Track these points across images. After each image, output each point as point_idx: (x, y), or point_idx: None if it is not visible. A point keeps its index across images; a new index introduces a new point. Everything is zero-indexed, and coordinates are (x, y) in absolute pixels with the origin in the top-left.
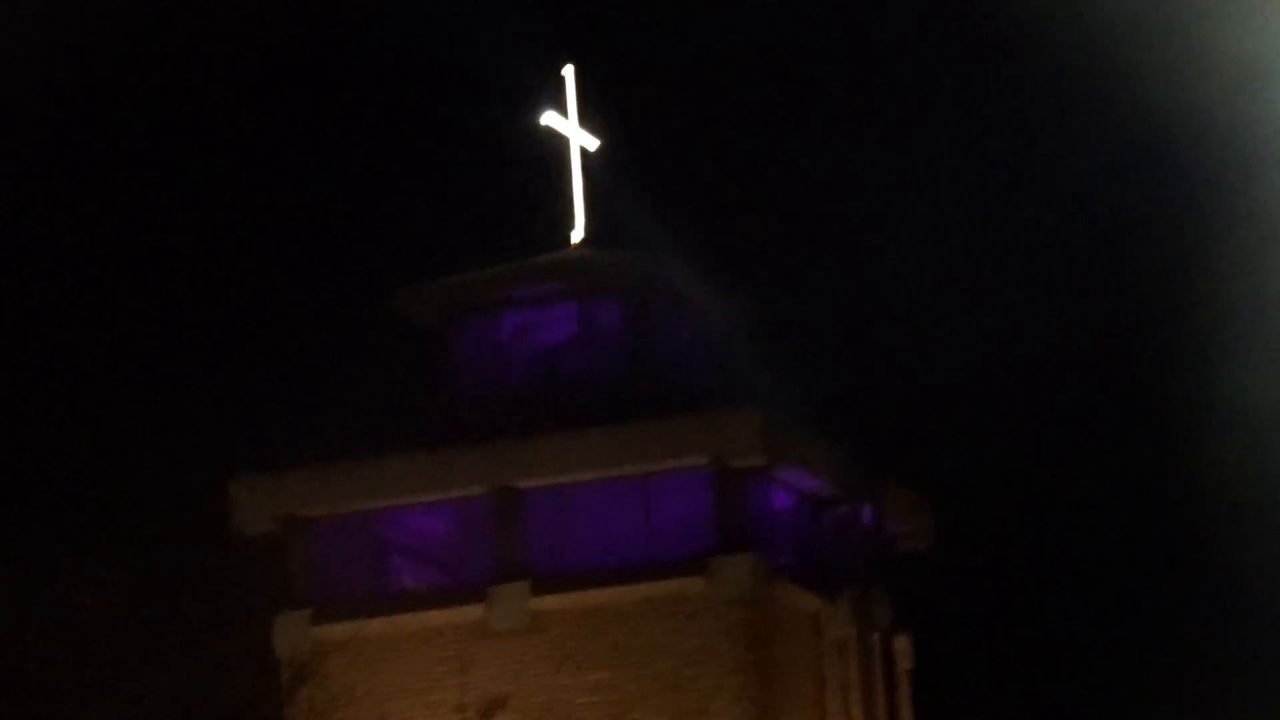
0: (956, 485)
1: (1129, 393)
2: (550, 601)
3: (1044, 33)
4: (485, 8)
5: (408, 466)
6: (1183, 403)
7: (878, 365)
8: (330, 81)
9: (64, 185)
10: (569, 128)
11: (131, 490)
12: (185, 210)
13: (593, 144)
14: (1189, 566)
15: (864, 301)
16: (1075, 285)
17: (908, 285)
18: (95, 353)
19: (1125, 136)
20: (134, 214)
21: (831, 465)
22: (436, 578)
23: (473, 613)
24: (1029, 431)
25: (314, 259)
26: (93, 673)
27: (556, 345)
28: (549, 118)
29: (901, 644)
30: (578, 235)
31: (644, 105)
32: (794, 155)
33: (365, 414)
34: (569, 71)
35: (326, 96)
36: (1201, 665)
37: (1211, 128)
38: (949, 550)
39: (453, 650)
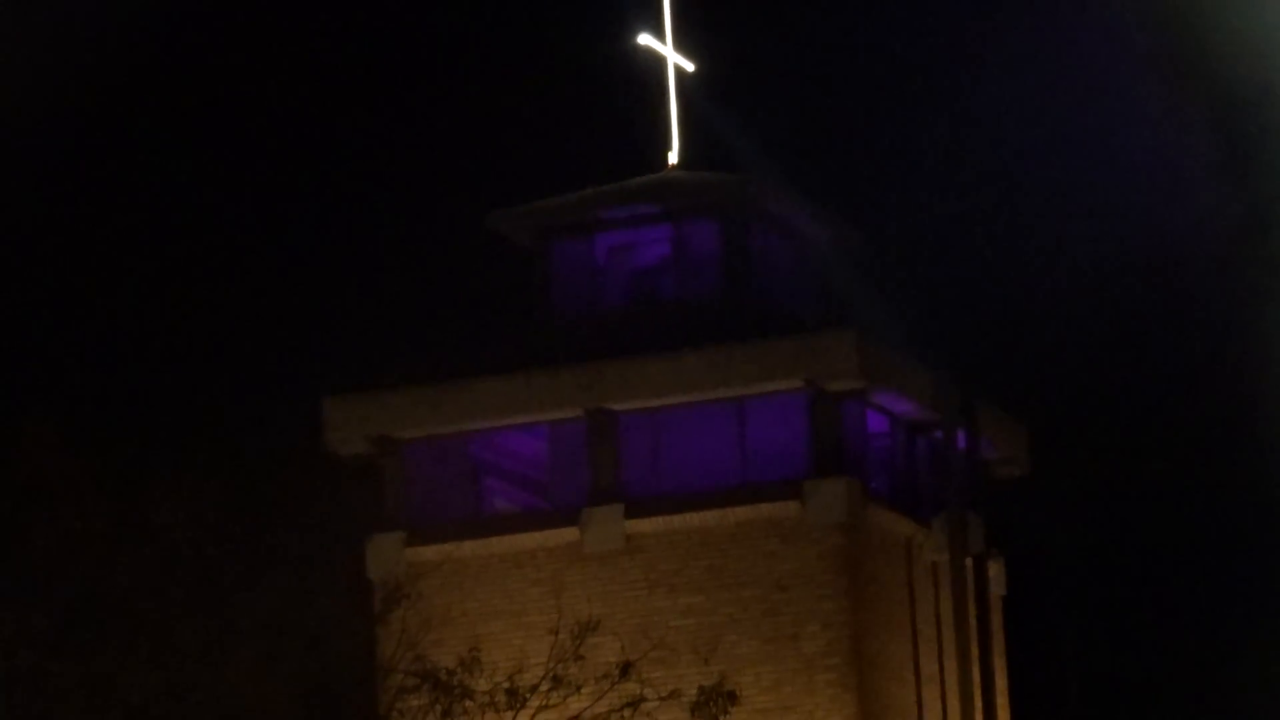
0: (1052, 411)
1: (1228, 321)
2: (644, 525)
3: None
4: None
5: (501, 388)
6: None
7: (973, 290)
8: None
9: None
10: (665, 49)
11: (224, 410)
12: (280, 126)
13: (689, 66)
14: None
15: (958, 225)
16: (1179, 210)
17: (1003, 210)
18: (190, 272)
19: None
20: (228, 139)
21: (926, 390)
22: (530, 500)
23: (566, 535)
24: (1127, 358)
25: (411, 179)
26: (184, 592)
27: (651, 267)
28: (645, 38)
29: (995, 570)
30: (673, 158)
31: (741, 28)
32: (892, 83)
33: (460, 335)
34: None
35: (421, 14)
36: None
37: None
38: (1043, 477)
39: (546, 573)
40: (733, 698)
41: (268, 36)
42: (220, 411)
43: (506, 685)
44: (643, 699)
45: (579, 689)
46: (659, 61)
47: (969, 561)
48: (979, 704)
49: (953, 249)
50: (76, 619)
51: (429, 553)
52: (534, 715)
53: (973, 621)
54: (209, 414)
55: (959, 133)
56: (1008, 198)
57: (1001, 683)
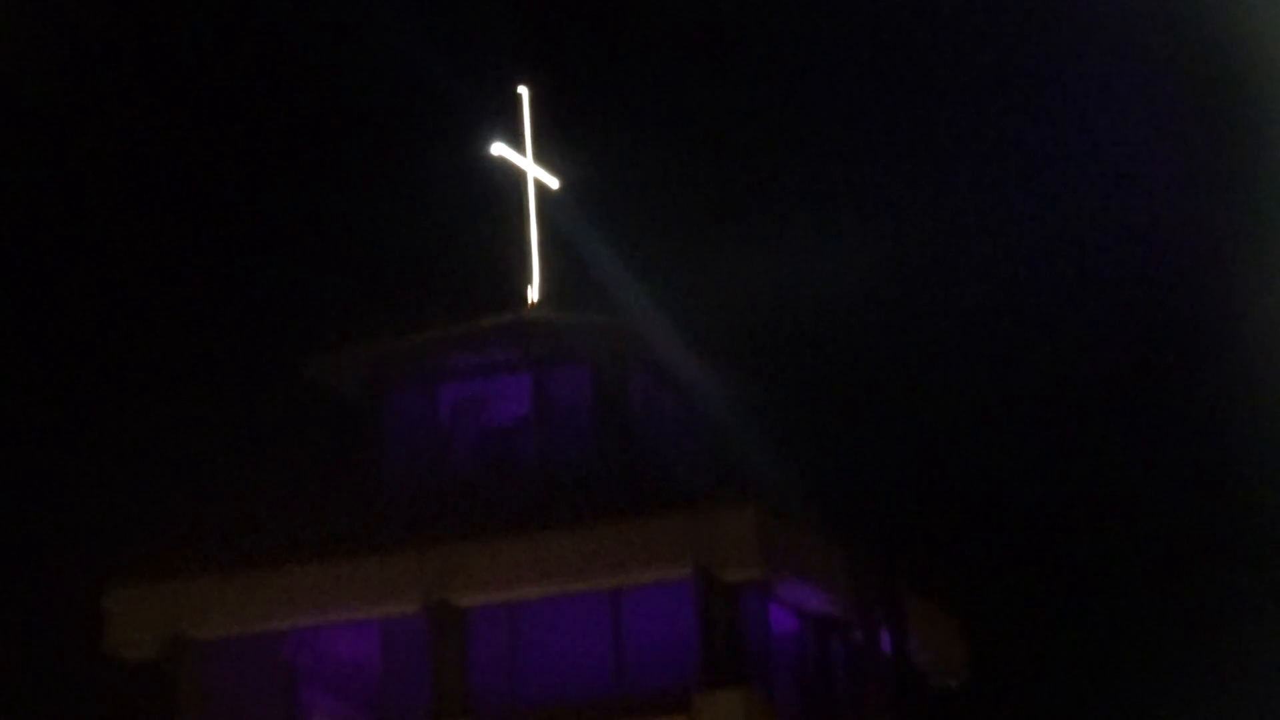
0: (996, 602)
1: (1183, 477)
2: None
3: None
4: (422, 22)
5: (322, 576)
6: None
7: (895, 454)
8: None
9: None
10: (524, 161)
11: None
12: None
13: (553, 182)
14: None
15: (875, 373)
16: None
17: (927, 351)
18: None
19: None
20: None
21: (842, 579)
22: (358, 714)
23: None
24: (1083, 532)
25: (213, 316)
26: None
27: (507, 426)
28: (500, 149)
29: None
30: (534, 294)
31: (611, 138)
32: (787, 199)
33: (271, 510)
34: (524, 93)
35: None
36: None
37: None
38: (985, 686)
39: None
40: None
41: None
42: None
43: None
44: None
45: None
46: (516, 177)
47: None
48: None
49: (869, 403)
50: None
51: None
52: None
53: None
54: None
55: (869, 258)
56: (936, 336)
57: None
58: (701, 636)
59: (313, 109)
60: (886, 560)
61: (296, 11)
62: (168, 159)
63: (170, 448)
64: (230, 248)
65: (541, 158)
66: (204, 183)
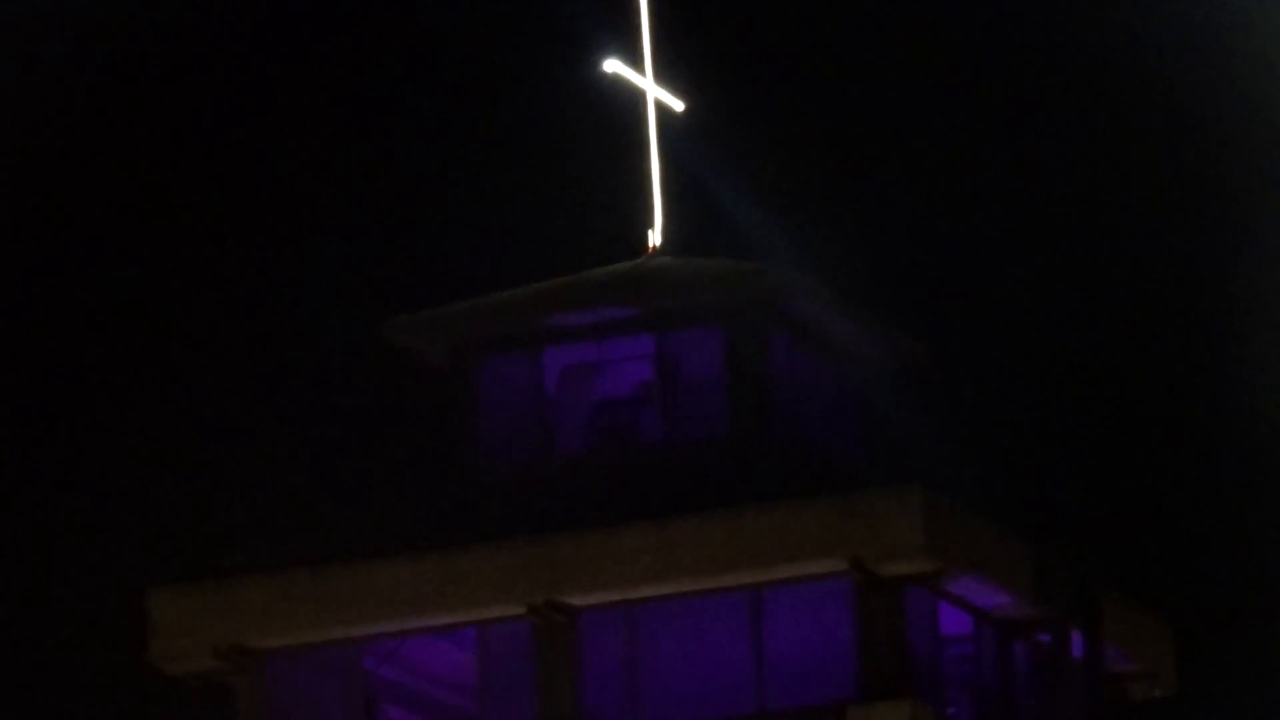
0: (1209, 601)
1: None
2: None
3: None
4: None
5: (408, 576)
6: None
7: (1090, 427)
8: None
9: None
10: (643, 80)
11: (23, 607)
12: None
13: (677, 104)
14: None
15: (1060, 332)
16: None
17: (1121, 308)
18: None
19: None
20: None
21: (1026, 573)
22: None
23: None
24: None
25: (280, 270)
26: None
27: (625, 397)
28: (614, 65)
29: None
30: (655, 238)
31: (747, 53)
32: (955, 140)
33: (345, 501)
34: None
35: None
36: None
37: None
38: (1195, 697)
39: None
40: None
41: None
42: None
43: None
44: None
45: None
46: (633, 98)
47: None
48: None
49: (1057, 369)
50: None
51: None
52: None
53: None
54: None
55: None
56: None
57: None
58: (858, 641)
59: (392, 29)
60: (1078, 551)
61: None
62: (238, 94)
63: (226, 427)
64: (294, 192)
65: (663, 76)
66: (271, 120)
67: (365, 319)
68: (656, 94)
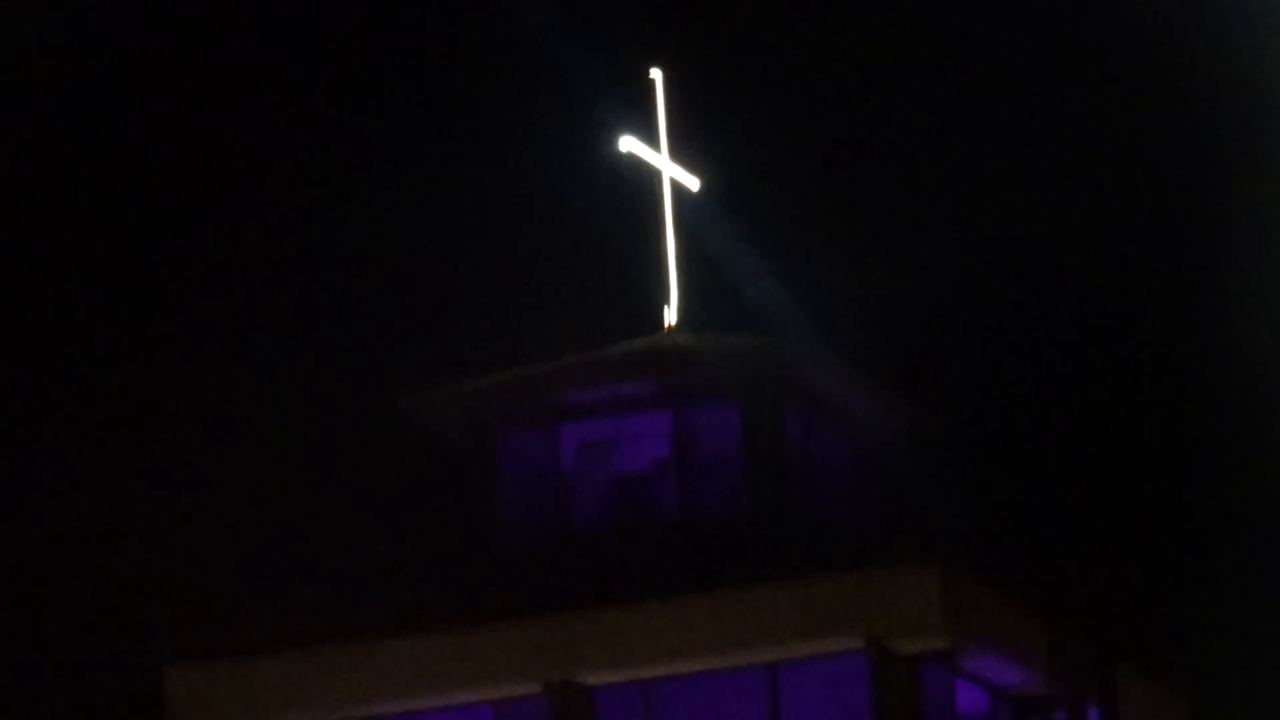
0: (1229, 678)
1: None
2: None
3: None
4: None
5: (425, 653)
6: None
7: (1107, 504)
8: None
9: None
10: (658, 158)
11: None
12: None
13: (692, 183)
14: None
15: (1076, 407)
16: None
17: (1135, 383)
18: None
19: None
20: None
21: (1042, 649)
22: None
23: None
24: None
25: (299, 346)
26: None
27: (642, 473)
28: (629, 143)
29: None
30: (671, 315)
31: (759, 132)
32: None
33: (360, 575)
34: (658, 78)
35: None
36: None
37: None
38: None
39: None
40: None
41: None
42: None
43: None
44: None
45: None
46: (650, 176)
47: None
48: None
49: (1071, 434)
50: None
51: None
52: None
53: None
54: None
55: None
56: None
57: None
58: (875, 718)
59: (413, 96)
60: (1095, 626)
61: None
62: (259, 154)
63: (242, 499)
64: (310, 260)
65: (678, 154)
66: (286, 183)
67: (383, 394)
68: (672, 172)
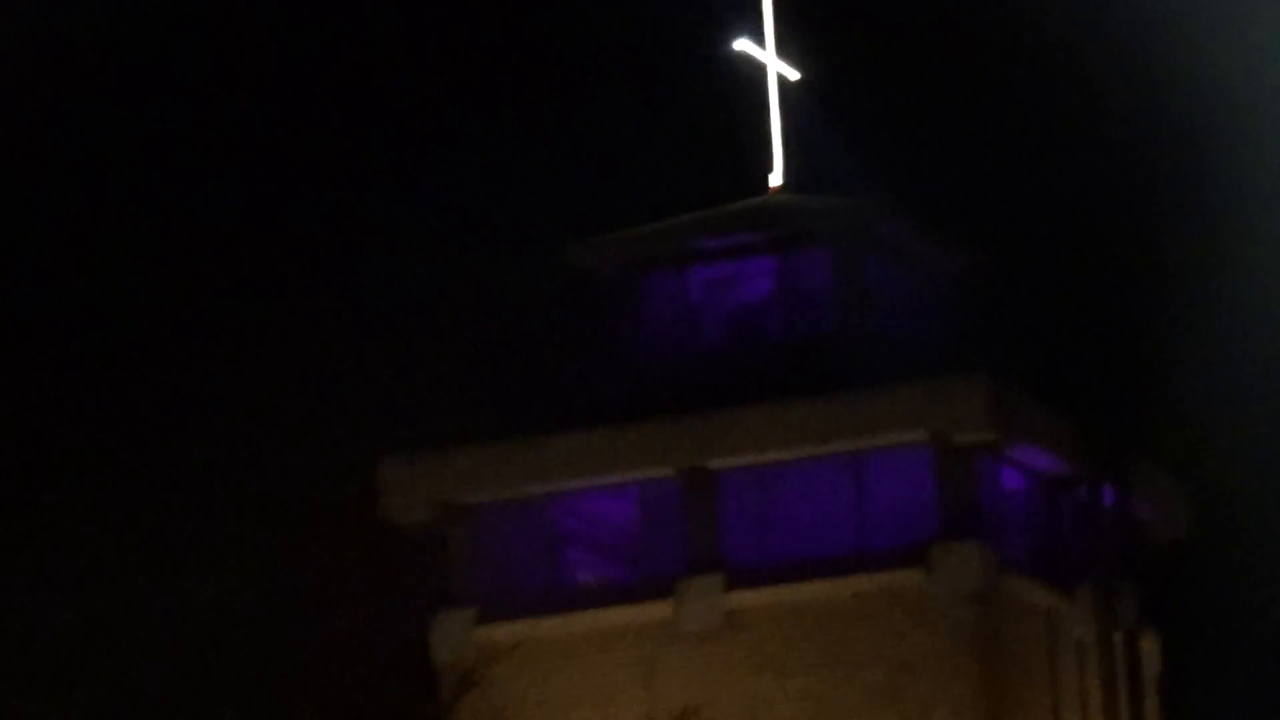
0: (1216, 463)
1: None
2: (747, 598)
3: None
4: None
5: (584, 444)
6: None
7: (1124, 325)
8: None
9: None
10: (765, 55)
11: (269, 473)
12: (334, 147)
13: (793, 74)
14: None
15: (1104, 252)
16: None
17: (1152, 231)
18: (232, 319)
19: None
20: (281, 175)
21: (1069, 441)
22: (618, 572)
23: (659, 611)
24: None
25: (479, 206)
26: (228, 681)
27: (754, 304)
28: (743, 44)
29: (1149, 646)
30: (776, 180)
31: (851, 33)
32: (1021, 92)
33: (536, 384)
34: None
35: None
36: None
37: None
38: (1206, 539)
39: (636, 654)
40: None
41: (318, 59)
42: (264, 474)
43: None
44: None
45: None
46: (759, 70)
47: (1120, 636)
48: None
49: (1099, 280)
50: (106, 715)
51: (502, 632)
52: None
53: (1125, 705)
54: (251, 477)
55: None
56: (1157, 216)
57: None
58: (937, 495)
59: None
60: (1112, 420)
61: None
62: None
63: (445, 328)
64: (504, 145)
65: (783, 51)
66: (471, 74)
67: (554, 244)
68: (777, 67)
